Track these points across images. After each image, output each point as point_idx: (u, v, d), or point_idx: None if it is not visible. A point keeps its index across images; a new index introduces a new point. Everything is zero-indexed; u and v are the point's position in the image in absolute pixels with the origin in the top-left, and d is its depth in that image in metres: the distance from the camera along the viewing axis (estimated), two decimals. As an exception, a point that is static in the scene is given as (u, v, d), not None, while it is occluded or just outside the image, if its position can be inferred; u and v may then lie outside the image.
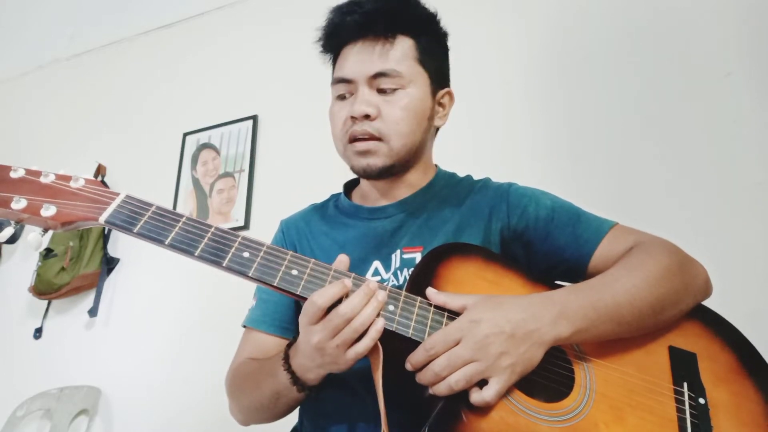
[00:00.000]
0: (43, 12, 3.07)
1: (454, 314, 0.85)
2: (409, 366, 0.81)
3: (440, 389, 0.78)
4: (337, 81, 1.09)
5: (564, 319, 0.84)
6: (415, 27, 1.10)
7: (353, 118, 1.04)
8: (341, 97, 1.09)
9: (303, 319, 0.82)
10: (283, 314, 1.11)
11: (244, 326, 1.14)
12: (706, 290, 1.00)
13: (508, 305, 0.83)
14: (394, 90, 1.06)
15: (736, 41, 1.85)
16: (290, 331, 1.10)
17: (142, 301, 2.51)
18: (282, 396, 0.94)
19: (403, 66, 1.07)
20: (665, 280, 0.92)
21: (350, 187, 1.26)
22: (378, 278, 1.04)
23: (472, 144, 2.03)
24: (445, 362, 0.78)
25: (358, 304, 0.80)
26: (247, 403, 1.01)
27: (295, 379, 0.90)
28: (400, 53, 1.07)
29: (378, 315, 0.81)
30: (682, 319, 0.96)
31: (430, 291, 0.86)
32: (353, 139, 1.06)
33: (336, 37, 1.11)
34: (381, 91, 1.06)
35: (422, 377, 0.80)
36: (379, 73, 1.05)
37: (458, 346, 0.79)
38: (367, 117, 1.04)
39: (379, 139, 1.05)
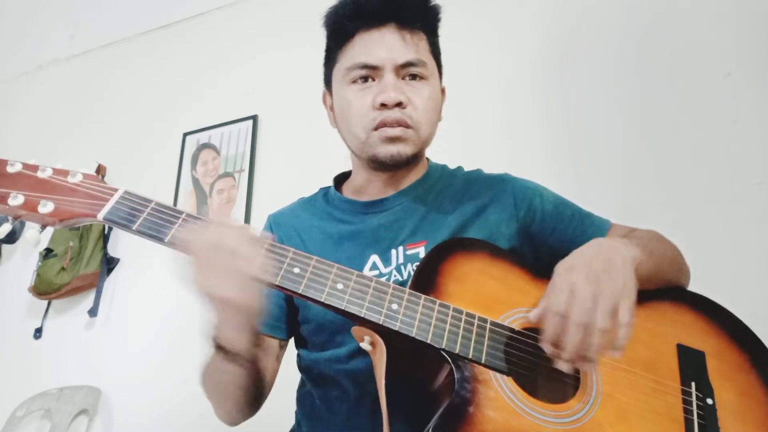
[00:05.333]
0: (43, 12, 3.07)
1: (459, 312, 0.84)
2: (547, 346, 0.82)
3: (595, 339, 0.78)
4: (359, 67, 1.05)
5: (631, 246, 0.90)
6: (429, 21, 1.11)
7: (383, 105, 1.02)
8: (358, 84, 1.06)
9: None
10: (271, 312, 1.09)
11: None
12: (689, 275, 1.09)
13: (581, 249, 0.89)
14: (420, 80, 1.06)
15: (736, 41, 1.85)
16: (280, 329, 1.09)
17: (142, 301, 2.50)
18: (217, 371, 0.91)
19: (426, 57, 1.07)
20: (671, 245, 1.05)
21: (339, 181, 1.24)
22: (376, 272, 1.03)
23: (473, 140, 2.02)
24: (579, 309, 0.79)
25: (216, 230, 0.80)
26: (212, 399, 1.01)
27: (213, 342, 0.87)
28: (424, 44, 1.08)
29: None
30: (690, 316, 0.96)
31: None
32: (381, 126, 1.03)
33: (355, 20, 1.06)
34: (405, 81, 1.05)
35: (570, 339, 0.79)
36: (408, 62, 1.04)
37: (578, 292, 0.80)
38: (398, 104, 1.02)
39: (410, 126, 1.04)
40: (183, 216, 0.84)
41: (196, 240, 0.79)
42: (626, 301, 0.80)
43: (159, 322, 2.42)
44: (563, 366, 0.80)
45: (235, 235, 0.79)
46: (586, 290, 0.79)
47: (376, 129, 1.03)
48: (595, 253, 0.86)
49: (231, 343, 0.86)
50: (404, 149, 1.04)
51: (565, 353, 0.79)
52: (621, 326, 0.79)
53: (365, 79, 1.05)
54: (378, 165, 1.08)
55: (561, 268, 0.85)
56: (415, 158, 1.09)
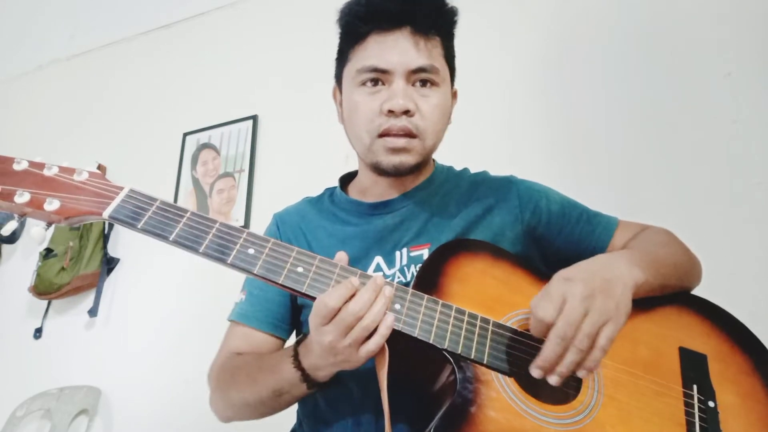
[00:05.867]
0: (43, 12, 3.07)
1: (462, 312, 0.85)
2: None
3: (570, 356, 0.79)
4: (369, 70, 1.02)
5: (635, 266, 0.89)
6: (445, 25, 1.08)
7: (391, 111, 1.00)
8: (368, 87, 1.04)
9: (314, 320, 0.80)
10: (276, 311, 1.09)
11: (231, 320, 1.12)
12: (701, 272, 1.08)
13: (583, 263, 0.88)
14: (431, 87, 1.04)
15: (736, 41, 1.85)
16: (282, 329, 1.09)
17: (142, 301, 2.51)
18: (285, 393, 0.92)
19: (440, 63, 1.05)
20: (682, 246, 1.05)
21: (345, 181, 1.23)
22: (380, 274, 1.02)
23: (473, 140, 2.02)
24: (563, 322, 0.78)
25: (367, 301, 0.78)
26: (239, 398, 0.99)
27: (306, 377, 0.88)
28: (438, 50, 1.05)
29: (387, 311, 0.80)
30: (692, 319, 0.96)
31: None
32: (386, 134, 1.02)
33: (368, 22, 1.04)
34: (415, 87, 1.03)
35: (546, 348, 0.79)
36: (420, 68, 1.02)
37: (568, 304, 0.80)
38: (406, 112, 1.00)
39: (414, 136, 1.02)
40: (188, 215, 0.84)
41: (342, 308, 0.79)
42: (611, 326, 0.80)
43: (159, 322, 2.42)
44: (534, 371, 0.81)
45: (378, 311, 0.79)
46: (577, 306, 0.79)
47: (380, 136, 1.02)
48: (597, 271, 0.85)
49: (326, 378, 0.89)
50: (408, 159, 1.03)
51: (538, 360, 0.80)
52: (596, 349, 0.79)
53: (375, 82, 1.03)
54: (381, 172, 1.08)
55: (559, 276, 0.85)
56: (420, 167, 1.08)
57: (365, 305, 0.78)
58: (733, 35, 1.86)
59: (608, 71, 2.01)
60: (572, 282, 0.82)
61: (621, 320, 0.82)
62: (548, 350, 0.79)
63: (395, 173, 1.05)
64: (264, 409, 0.98)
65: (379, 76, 1.03)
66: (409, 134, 1.01)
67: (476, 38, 2.20)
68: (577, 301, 0.79)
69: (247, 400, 0.98)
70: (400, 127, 1.00)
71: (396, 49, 1.02)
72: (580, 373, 0.81)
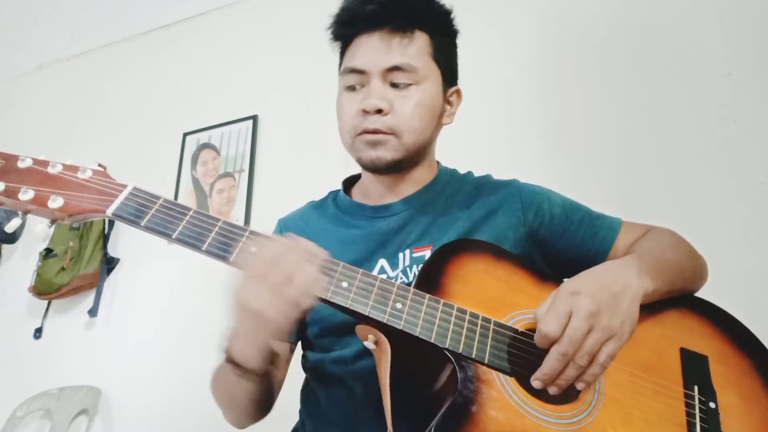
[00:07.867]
0: (43, 12, 3.07)
1: (463, 311, 0.84)
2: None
3: (569, 370, 0.80)
4: (349, 71, 1.05)
5: (644, 274, 0.89)
6: (433, 23, 1.08)
7: (365, 111, 1.02)
8: (351, 89, 1.06)
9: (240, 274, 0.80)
10: None
11: None
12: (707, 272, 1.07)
13: (593, 272, 0.88)
14: (408, 85, 1.04)
15: (736, 41, 1.85)
16: (289, 332, 1.09)
17: (142, 301, 2.51)
18: (232, 386, 0.92)
19: (419, 61, 1.04)
20: (688, 247, 1.05)
21: (349, 184, 1.23)
22: (384, 276, 1.02)
23: (473, 143, 2.03)
24: (566, 339, 0.79)
25: (280, 249, 0.79)
26: (221, 403, 1.02)
27: (229, 356, 0.87)
28: (417, 48, 1.05)
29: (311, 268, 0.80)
30: (693, 320, 0.96)
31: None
32: (363, 132, 1.03)
33: (350, 26, 1.07)
34: (394, 86, 1.03)
35: (547, 362, 0.80)
36: (394, 66, 1.02)
37: (572, 321, 0.80)
38: (379, 112, 1.01)
39: (390, 133, 1.03)
40: (191, 213, 0.84)
41: (256, 254, 0.79)
42: (613, 343, 0.80)
43: (159, 322, 2.42)
44: (535, 383, 0.82)
45: (296, 255, 0.79)
46: (581, 323, 0.79)
47: (359, 135, 1.04)
48: (606, 283, 0.85)
49: (246, 360, 0.86)
50: (383, 153, 1.03)
51: (539, 373, 0.81)
52: (595, 365, 0.80)
53: (356, 85, 1.06)
54: (365, 169, 1.10)
55: (567, 289, 0.84)
56: (402, 164, 1.07)
57: (278, 253, 0.79)
58: (733, 35, 1.86)
59: (608, 71, 2.01)
60: (579, 296, 0.82)
61: (625, 337, 0.82)
62: (549, 365, 0.80)
63: (373, 168, 1.06)
64: (237, 411, 1.00)
65: (359, 78, 1.05)
66: (384, 132, 1.03)
67: (474, 38, 2.20)
68: (581, 318, 0.79)
69: (223, 403, 1.00)
70: (373, 127, 1.02)
71: (371, 50, 1.04)
72: (579, 386, 0.82)
